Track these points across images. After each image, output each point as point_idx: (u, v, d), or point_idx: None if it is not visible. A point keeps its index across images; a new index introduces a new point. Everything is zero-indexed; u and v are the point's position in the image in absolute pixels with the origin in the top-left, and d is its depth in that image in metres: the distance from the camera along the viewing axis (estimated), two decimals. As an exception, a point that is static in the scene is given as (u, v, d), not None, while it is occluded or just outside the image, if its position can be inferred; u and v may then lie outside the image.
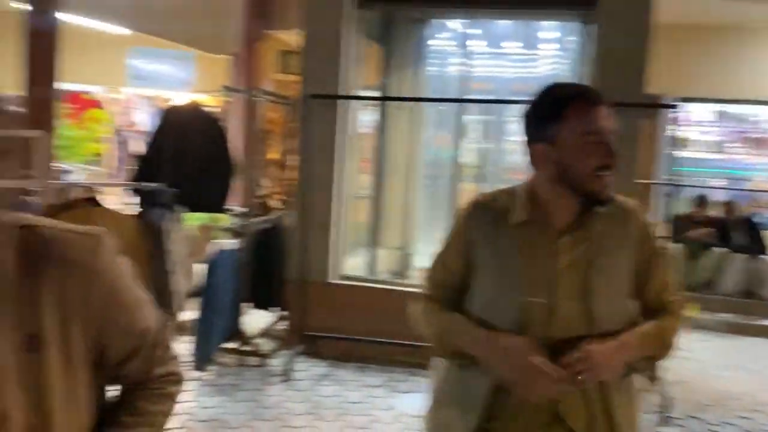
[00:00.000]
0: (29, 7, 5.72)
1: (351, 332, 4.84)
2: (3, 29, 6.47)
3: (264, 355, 4.80)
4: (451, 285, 1.67)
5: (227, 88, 5.85)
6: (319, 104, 4.91)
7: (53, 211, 3.92)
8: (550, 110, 1.55)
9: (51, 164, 5.22)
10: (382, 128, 5.96)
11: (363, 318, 4.89)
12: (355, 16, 5.17)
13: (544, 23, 5.94)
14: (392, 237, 6.12)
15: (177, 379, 1.28)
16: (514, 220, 1.58)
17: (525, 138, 1.61)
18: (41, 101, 5.69)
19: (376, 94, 6.00)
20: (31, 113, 5.53)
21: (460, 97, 6.01)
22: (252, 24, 7.67)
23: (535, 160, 1.59)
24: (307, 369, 4.69)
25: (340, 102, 5.07)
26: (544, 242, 1.57)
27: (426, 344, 1.71)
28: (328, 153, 5.08)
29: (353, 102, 5.31)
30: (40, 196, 4.28)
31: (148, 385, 1.22)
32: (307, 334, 4.87)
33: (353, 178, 5.54)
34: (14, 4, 6.42)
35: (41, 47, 5.75)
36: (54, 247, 1.08)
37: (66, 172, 7.44)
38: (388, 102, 5.92)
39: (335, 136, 5.07)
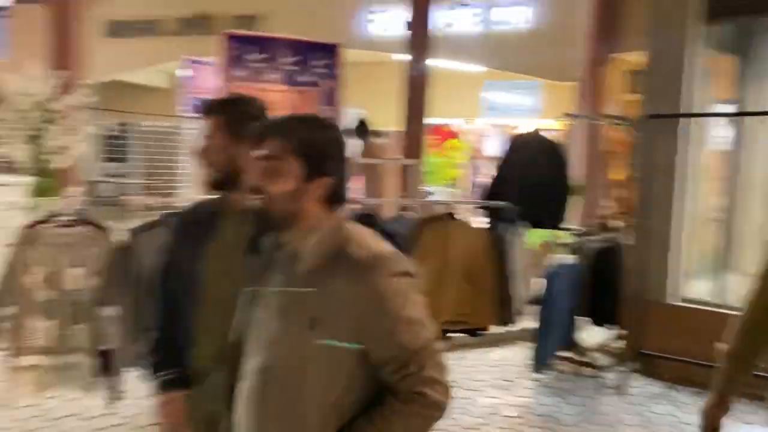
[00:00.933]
0: (408, 57, 6.94)
1: (691, 356, 4.70)
2: (388, 76, 7.91)
3: (599, 368, 4.98)
4: None
5: (567, 115, 6.19)
6: (661, 123, 4.91)
7: (422, 223, 4.79)
8: None
9: (420, 186, 6.26)
10: (739, 144, 5.60)
11: (706, 343, 4.69)
12: (702, 31, 5.05)
13: None
14: (747, 261, 5.66)
15: (427, 402, 1.32)
16: None
17: None
18: (414, 134, 6.82)
19: (732, 108, 5.67)
20: (406, 145, 6.69)
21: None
22: (597, 49, 7.89)
23: None
24: (641, 386, 4.72)
25: (684, 119, 4.99)
26: None
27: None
28: (669, 172, 5.03)
29: (700, 119, 5.15)
30: (412, 211, 5.22)
31: (397, 396, 1.33)
32: (644, 353, 4.89)
33: (699, 198, 5.34)
34: (395, 56, 7.78)
35: (415, 89, 6.90)
36: (350, 259, 1.34)
37: (430, 192, 8.66)
38: (745, 116, 5.54)
39: (677, 155, 5.00)
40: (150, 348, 1.88)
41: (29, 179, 5.68)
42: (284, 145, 1.38)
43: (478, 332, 5.24)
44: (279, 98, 4.34)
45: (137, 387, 3.70)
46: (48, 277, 3.27)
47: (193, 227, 1.81)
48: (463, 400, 4.43)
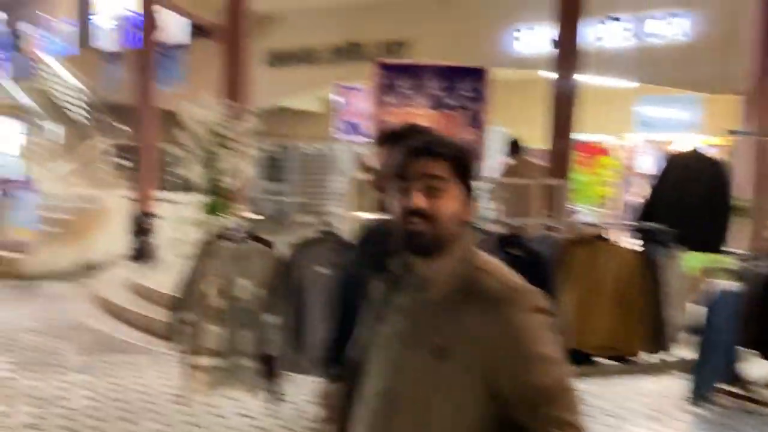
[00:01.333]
0: (554, 74, 6.85)
1: None
2: (535, 94, 7.83)
3: (766, 405, 4.58)
4: None
5: (731, 131, 5.80)
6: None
7: (568, 244, 4.71)
8: None
9: (567, 206, 6.14)
10: None
11: None
12: None
13: None
14: None
15: None
16: None
17: None
18: (561, 152, 6.69)
19: None
20: (552, 163, 6.59)
21: None
22: (765, 59, 7.29)
23: None
24: (818, 428, 4.28)
25: None
26: None
27: None
28: None
29: None
30: (558, 232, 5.14)
31: None
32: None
33: None
34: (543, 73, 7.68)
35: (562, 106, 6.78)
36: (484, 289, 1.30)
37: (577, 212, 8.42)
38: None
39: None
40: (324, 346, 2.10)
41: (203, 198, 6.33)
42: (447, 165, 1.35)
43: (630, 359, 5.03)
44: (427, 123, 4.52)
45: (296, 392, 4.00)
46: (220, 286, 3.65)
47: (367, 245, 2.01)
48: (611, 429, 4.28)
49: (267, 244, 3.69)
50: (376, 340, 1.42)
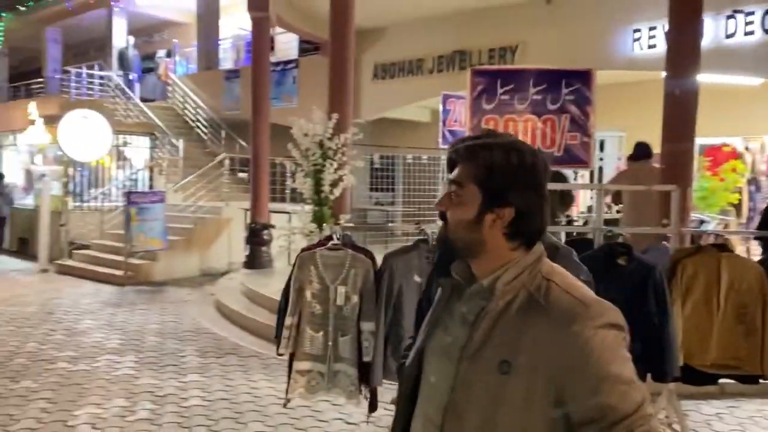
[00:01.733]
0: (669, 74, 6.44)
1: None
2: (654, 95, 7.34)
3: None
4: None
5: None
6: None
7: (684, 254, 4.40)
8: None
9: (687, 214, 5.72)
10: None
11: None
12: None
13: None
14: None
15: None
16: None
17: None
18: (680, 156, 6.27)
19: None
20: (668, 168, 6.18)
21: None
22: None
23: None
24: None
25: None
26: None
27: None
28: None
29: None
30: (674, 242, 4.82)
31: None
32: None
33: None
34: (664, 74, 7.21)
35: (681, 107, 6.36)
36: (553, 302, 1.24)
37: (701, 221, 7.84)
38: None
39: None
40: (403, 352, 2.10)
41: (310, 208, 6.54)
42: (466, 170, 1.32)
43: (755, 380, 4.62)
44: (527, 127, 4.40)
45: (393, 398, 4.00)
46: (318, 293, 3.74)
47: (444, 252, 2.00)
48: (734, 455, 3.94)
49: (365, 252, 3.74)
50: (436, 349, 1.38)
